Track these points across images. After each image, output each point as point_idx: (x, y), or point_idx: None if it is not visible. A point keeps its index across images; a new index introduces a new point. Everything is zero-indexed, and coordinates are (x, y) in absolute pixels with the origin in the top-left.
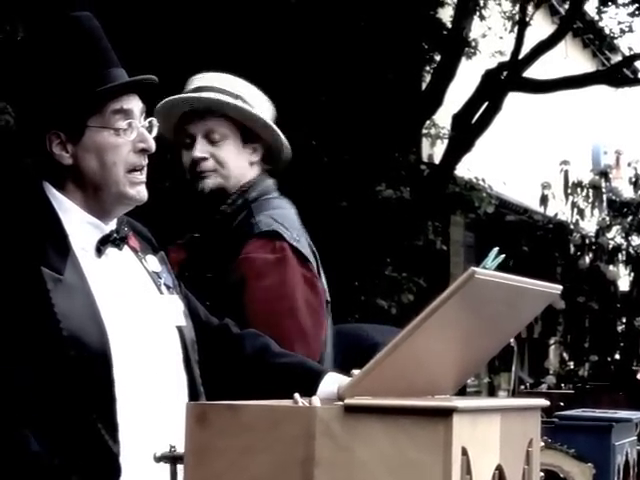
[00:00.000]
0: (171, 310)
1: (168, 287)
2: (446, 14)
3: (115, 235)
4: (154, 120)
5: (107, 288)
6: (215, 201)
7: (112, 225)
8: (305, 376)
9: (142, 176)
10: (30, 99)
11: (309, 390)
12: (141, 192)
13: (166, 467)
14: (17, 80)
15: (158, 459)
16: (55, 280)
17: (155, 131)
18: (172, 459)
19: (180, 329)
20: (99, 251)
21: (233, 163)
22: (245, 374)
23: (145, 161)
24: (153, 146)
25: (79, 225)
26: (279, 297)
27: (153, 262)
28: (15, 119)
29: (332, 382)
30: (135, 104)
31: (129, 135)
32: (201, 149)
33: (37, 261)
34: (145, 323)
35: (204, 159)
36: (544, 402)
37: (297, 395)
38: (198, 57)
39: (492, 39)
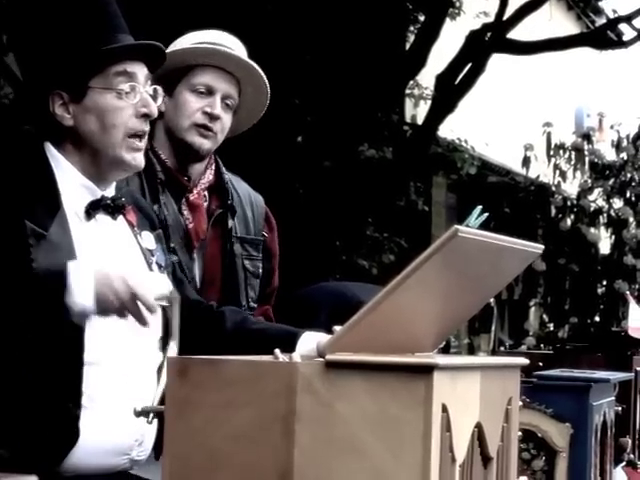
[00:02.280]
0: (157, 286)
1: (160, 266)
2: None
3: (108, 202)
4: (159, 89)
5: (92, 252)
6: (191, 159)
7: (109, 192)
8: (283, 337)
9: (141, 143)
10: (35, 57)
11: (288, 349)
12: (137, 158)
13: (134, 429)
14: (24, 38)
15: (138, 413)
16: (38, 235)
17: (160, 100)
18: (152, 413)
19: (164, 309)
20: (89, 215)
21: (225, 133)
22: (226, 345)
23: (147, 127)
24: (155, 112)
25: (74, 187)
26: None
27: (148, 239)
28: (18, 82)
29: (310, 340)
30: (140, 69)
31: (131, 98)
32: (220, 107)
33: (22, 215)
34: None
35: (219, 119)
36: (524, 361)
37: (277, 351)
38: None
39: (476, 0)
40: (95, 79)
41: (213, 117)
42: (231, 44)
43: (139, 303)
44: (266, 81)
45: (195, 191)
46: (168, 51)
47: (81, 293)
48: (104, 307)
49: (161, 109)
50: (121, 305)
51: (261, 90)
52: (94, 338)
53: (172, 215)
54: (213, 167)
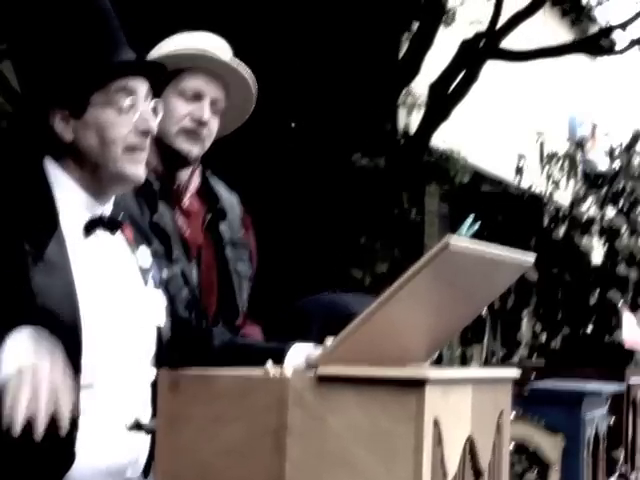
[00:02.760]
0: (152, 306)
1: (155, 282)
2: None
3: (107, 219)
4: (160, 103)
5: (90, 271)
6: (179, 165)
7: (108, 208)
8: (271, 350)
9: (141, 156)
10: (35, 72)
11: (277, 363)
12: (139, 172)
13: (129, 448)
14: (24, 52)
15: (130, 427)
16: (35, 256)
17: (160, 115)
18: (143, 427)
19: (158, 326)
20: (87, 232)
21: (212, 138)
22: (214, 362)
23: (146, 143)
24: (154, 129)
25: (73, 203)
26: None
27: (144, 255)
28: (15, 94)
29: (298, 352)
30: (140, 85)
31: (132, 114)
32: (208, 112)
33: (20, 235)
34: (122, 313)
35: (207, 124)
36: (516, 373)
37: (269, 364)
38: (174, 19)
39: (470, 7)
40: (96, 94)
41: (202, 122)
42: (218, 46)
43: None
44: (253, 85)
45: (186, 198)
46: (155, 55)
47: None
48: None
49: None
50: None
51: (248, 93)
52: (89, 360)
53: (170, 225)
54: (198, 171)
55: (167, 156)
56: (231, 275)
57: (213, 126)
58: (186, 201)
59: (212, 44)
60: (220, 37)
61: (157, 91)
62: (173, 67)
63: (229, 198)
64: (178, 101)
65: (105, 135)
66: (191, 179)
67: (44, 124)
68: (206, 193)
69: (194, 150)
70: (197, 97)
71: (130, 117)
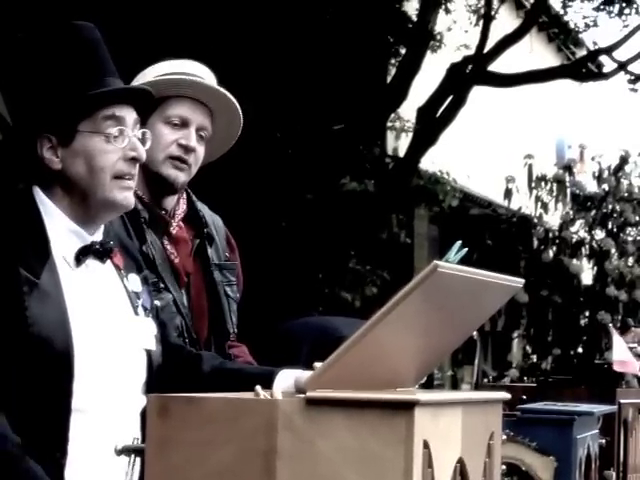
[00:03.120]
0: (143, 332)
1: (145, 309)
2: (411, 7)
3: (97, 247)
4: (148, 132)
5: (81, 299)
6: (166, 192)
7: (97, 236)
8: (260, 375)
9: (130, 182)
10: (24, 101)
11: (266, 387)
12: (128, 198)
13: (119, 474)
14: (13, 81)
15: (119, 452)
16: (31, 283)
17: (148, 143)
18: (133, 451)
19: (149, 353)
20: (78, 261)
21: (199, 165)
22: (204, 387)
23: (135, 170)
24: (144, 156)
25: (62, 232)
26: None
27: (135, 281)
28: (7, 124)
29: (287, 377)
30: (128, 113)
31: (120, 142)
32: (194, 140)
33: (16, 262)
34: (113, 340)
35: (194, 151)
36: (505, 395)
37: (258, 387)
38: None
39: (457, 33)
40: (83, 123)
41: (188, 149)
42: (202, 74)
43: None
44: (239, 111)
45: (174, 224)
46: (140, 82)
47: None
48: None
49: None
50: None
51: (234, 120)
52: (80, 385)
53: (159, 252)
54: (184, 196)
55: (154, 183)
56: (220, 298)
57: (199, 153)
58: (174, 228)
59: (196, 71)
60: (203, 64)
61: (143, 118)
62: (159, 94)
63: (214, 220)
64: (165, 128)
65: (93, 163)
66: (178, 205)
67: (32, 153)
68: (193, 218)
69: (181, 177)
70: (184, 124)
71: (118, 145)
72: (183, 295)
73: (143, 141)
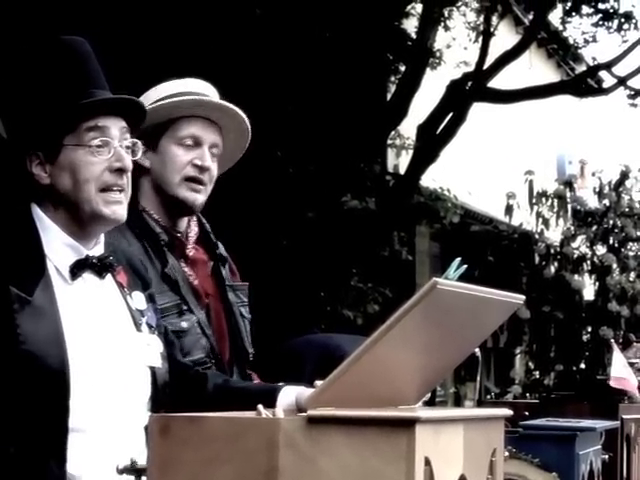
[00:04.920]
0: (146, 349)
1: (150, 326)
2: (411, 25)
3: (94, 261)
4: (139, 142)
5: (77, 315)
6: (185, 214)
7: (96, 251)
8: (263, 392)
9: (119, 195)
10: (15, 117)
11: (269, 405)
12: (117, 212)
13: None
14: (6, 98)
15: (121, 471)
16: (22, 300)
17: (140, 153)
18: (135, 471)
19: (153, 370)
20: (74, 274)
21: (213, 183)
22: (208, 406)
23: (122, 180)
24: (129, 165)
25: (58, 246)
26: None
27: (139, 299)
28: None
29: (290, 394)
30: (113, 123)
31: (105, 154)
32: (209, 159)
33: (7, 280)
34: (112, 357)
35: (208, 170)
36: (507, 412)
37: (260, 406)
38: (165, 67)
39: (456, 50)
40: (68, 137)
41: (203, 169)
42: (207, 91)
43: None
44: (248, 125)
45: (190, 246)
46: (149, 106)
47: None
48: None
49: (145, 165)
50: None
51: (243, 134)
52: (78, 403)
53: (180, 274)
54: (195, 218)
55: (172, 206)
56: (237, 319)
57: (214, 171)
58: (190, 250)
59: (201, 89)
60: (206, 81)
61: (136, 127)
62: (169, 117)
63: (217, 242)
64: (178, 149)
65: (78, 176)
66: (190, 227)
67: (24, 169)
68: (205, 240)
69: (199, 198)
70: (196, 144)
71: (103, 156)
72: (204, 316)
73: (134, 151)
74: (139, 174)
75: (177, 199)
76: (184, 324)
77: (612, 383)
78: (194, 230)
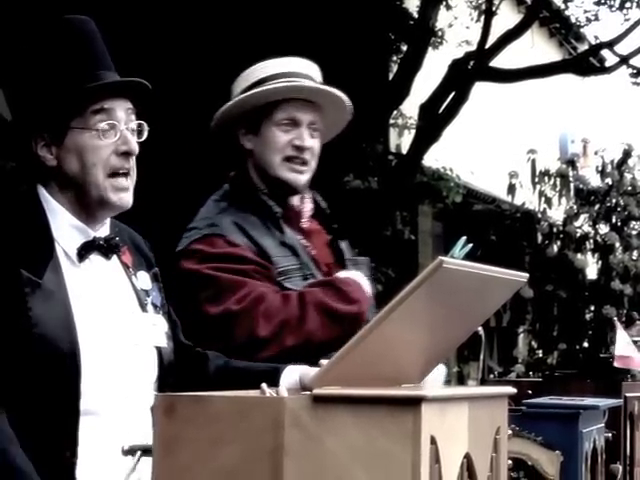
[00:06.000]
0: (152, 329)
1: (155, 306)
2: (412, 4)
3: (101, 242)
4: (144, 124)
5: (86, 297)
6: (289, 194)
7: (103, 232)
8: (266, 372)
9: (126, 182)
10: (19, 99)
11: (272, 384)
12: (123, 199)
13: (130, 475)
14: (11, 79)
15: (126, 452)
16: (33, 284)
17: (145, 134)
18: (140, 451)
19: (159, 349)
20: (81, 256)
21: (317, 158)
22: (211, 386)
23: (128, 164)
24: (135, 149)
25: (65, 229)
26: None
27: (144, 279)
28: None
29: (293, 373)
30: (119, 105)
31: (111, 137)
32: (308, 138)
33: (18, 263)
34: (120, 338)
35: (309, 149)
36: (511, 390)
37: (264, 385)
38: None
39: (458, 29)
40: (75, 120)
41: (302, 148)
42: (307, 71)
43: None
44: (346, 99)
45: (304, 219)
46: (242, 86)
47: None
48: None
49: (248, 147)
50: None
51: (342, 108)
52: (87, 386)
53: (298, 244)
54: (309, 195)
55: (276, 186)
56: None
57: (315, 147)
58: (305, 222)
59: (302, 69)
60: (308, 60)
61: (143, 109)
62: (268, 100)
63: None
64: (277, 131)
65: (85, 159)
66: (303, 203)
67: (30, 151)
68: (320, 214)
69: (301, 179)
70: (294, 124)
71: (109, 139)
72: None
73: (140, 133)
74: (245, 156)
75: (280, 180)
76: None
77: (616, 363)
78: (308, 207)
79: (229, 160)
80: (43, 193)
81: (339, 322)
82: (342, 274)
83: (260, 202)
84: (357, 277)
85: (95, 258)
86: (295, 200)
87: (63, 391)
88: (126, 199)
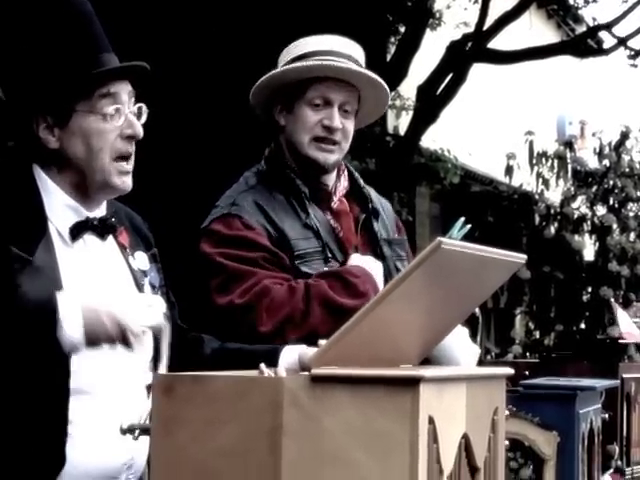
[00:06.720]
0: (149, 310)
1: (153, 286)
2: None
3: (95, 222)
4: (144, 106)
5: (78, 277)
6: (319, 173)
7: (98, 213)
8: (264, 352)
9: (129, 165)
10: (18, 81)
11: (270, 365)
12: (126, 182)
13: (122, 452)
14: (6, 61)
15: (124, 431)
16: (23, 261)
17: (144, 117)
18: (139, 430)
19: (154, 329)
20: (74, 236)
21: (350, 139)
22: (207, 369)
23: (132, 148)
24: (140, 132)
25: (60, 208)
26: None
27: (142, 259)
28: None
29: (292, 353)
30: (123, 88)
31: (116, 121)
32: (338, 118)
33: (7, 240)
34: None
35: (339, 129)
36: (509, 371)
37: (262, 365)
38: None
39: (456, 10)
40: (80, 103)
41: (332, 129)
42: (348, 49)
43: (127, 334)
44: (382, 83)
45: (335, 199)
46: (282, 62)
47: (70, 328)
48: (93, 342)
49: (281, 123)
50: (110, 339)
51: (381, 91)
52: (82, 366)
53: (323, 225)
54: (346, 173)
55: (305, 165)
56: (391, 272)
57: (348, 128)
58: (335, 202)
59: (341, 48)
60: (351, 39)
61: (142, 91)
62: (300, 78)
63: (382, 203)
64: (308, 110)
65: (91, 143)
66: (339, 181)
67: (29, 132)
68: (357, 194)
69: (330, 158)
70: (326, 103)
71: (115, 123)
72: None
73: (139, 115)
74: (276, 134)
75: (308, 159)
76: (327, 269)
77: (626, 338)
78: (343, 184)
79: (240, 140)
80: (39, 173)
81: (344, 317)
82: (353, 262)
83: (288, 181)
84: (368, 265)
85: (89, 238)
86: (329, 179)
87: (51, 369)
88: (128, 182)
